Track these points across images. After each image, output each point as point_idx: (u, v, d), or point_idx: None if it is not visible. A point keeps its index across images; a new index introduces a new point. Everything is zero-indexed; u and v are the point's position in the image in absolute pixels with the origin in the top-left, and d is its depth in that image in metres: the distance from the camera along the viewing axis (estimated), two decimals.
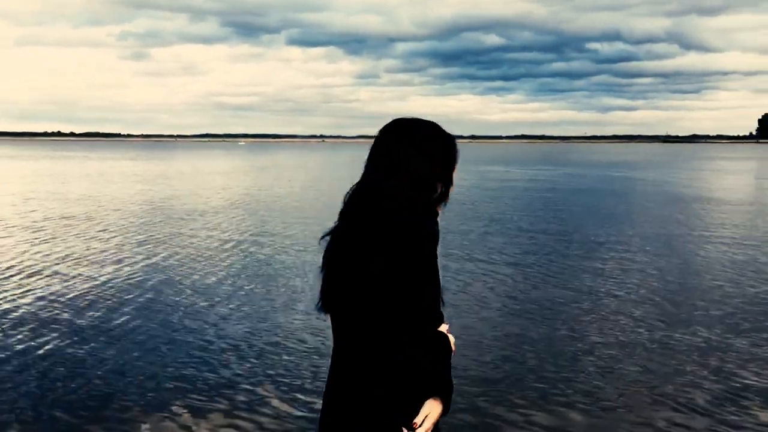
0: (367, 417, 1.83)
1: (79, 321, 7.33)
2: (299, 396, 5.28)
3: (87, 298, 8.37)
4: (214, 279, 9.54)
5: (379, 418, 1.82)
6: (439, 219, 1.89)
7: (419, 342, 1.80)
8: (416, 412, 1.81)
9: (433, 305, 1.83)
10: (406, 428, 1.81)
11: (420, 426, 1.81)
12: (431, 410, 1.83)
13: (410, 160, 1.86)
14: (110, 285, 9.07)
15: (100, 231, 14.25)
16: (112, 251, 11.72)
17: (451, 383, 1.86)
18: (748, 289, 8.91)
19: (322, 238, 1.95)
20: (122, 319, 7.41)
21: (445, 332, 1.89)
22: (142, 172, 40.76)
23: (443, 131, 1.94)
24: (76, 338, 6.73)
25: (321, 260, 1.95)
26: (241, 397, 5.26)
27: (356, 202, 1.90)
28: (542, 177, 36.73)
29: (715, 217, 17.21)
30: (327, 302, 1.94)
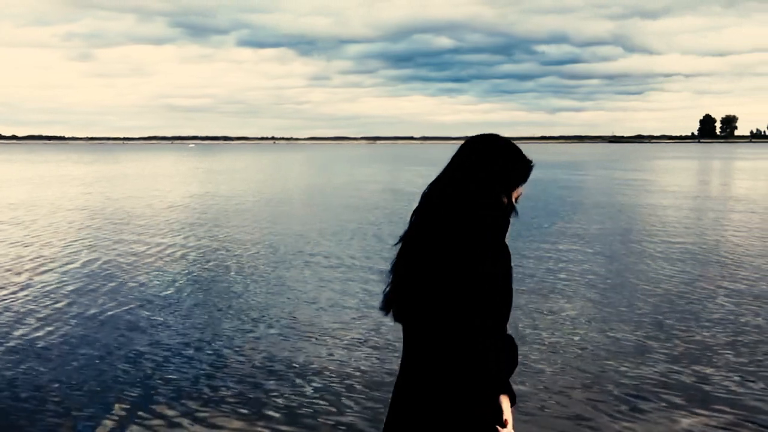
0: (443, 415, 1.95)
1: (7, 339, 7.00)
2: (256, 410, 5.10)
3: (8, 314, 8.01)
4: (148, 287, 9.25)
5: (454, 415, 1.94)
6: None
7: (493, 344, 1.93)
8: (486, 410, 1.96)
9: (507, 313, 1.97)
10: (500, 426, 1.96)
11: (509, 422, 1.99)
12: (507, 405, 2.01)
13: (481, 174, 2.03)
14: (35, 294, 8.71)
15: (28, 237, 13.74)
16: (40, 259, 11.29)
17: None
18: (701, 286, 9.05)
19: (397, 243, 2.10)
20: (48, 333, 7.10)
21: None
22: (83, 175, 39.68)
23: (516, 149, 2.12)
24: (9, 356, 6.42)
25: (393, 263, 2.08)
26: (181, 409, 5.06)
27: (431, 210, 2.05)
28: None
29: (668, 217, 17.52)
30: (399, 305, 2.05)
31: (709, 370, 5.77)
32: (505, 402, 2.00)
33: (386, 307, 2.08)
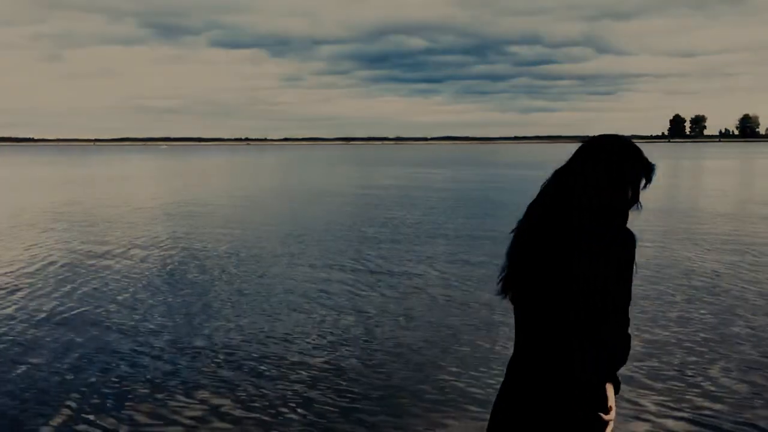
0: (543, 406, 2.05)
1: None
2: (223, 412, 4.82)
3: None
4: (108, 292, 8.90)
5: (573, 402, 2.03)
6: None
7: (583, 345, 2.02)
8: (595, 396, 2.05)
9: (626, 306, 2.04)
10: (602, 413, 2.05)
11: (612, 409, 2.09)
12: (611, 392, 2.10)
13: (599, 174, 2.08)
14: None
15: None
16: None
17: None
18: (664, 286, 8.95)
19: (512, 231, 2.19)
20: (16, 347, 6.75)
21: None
22: (50, 177, 38.88)
23: (634, 147, 2.14)
24: None
25: (509, 251, 2.18)
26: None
27: (551, 206, 2.11)
28: (467, 178, 36.90)
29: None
30: (516, 292, 2.16)
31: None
32: (609, 390, 2.07)
33: (503, 290, 2.18)
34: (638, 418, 4.84)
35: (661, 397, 5.21)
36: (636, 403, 5.07)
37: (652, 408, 5.01)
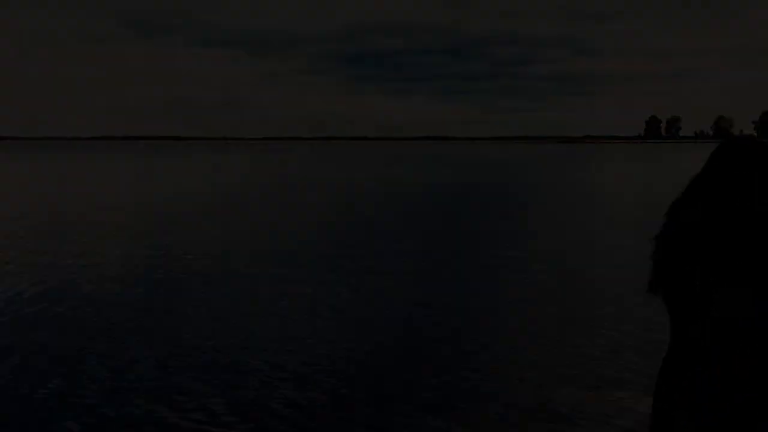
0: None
1: None
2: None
3: None
4: (58, 305, 7.42)
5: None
6: None
7: None
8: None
9: None
10: None
11: None
12: None
13: (740, 177, 2.14)
14: None
15: None
16: None
17: None
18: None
19: (656, 237, 2.24)
20: None
21: None
22: (13, 176, 37.77)
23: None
24: None
25: (657, 250, 2.21)
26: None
27: (695, 206, 2.18)
28: (446, 180, 36.81)
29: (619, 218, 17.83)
30: (666, 287, 2.20)
31: None
32: None
33: (651, 288, 2.24)
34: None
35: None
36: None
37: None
